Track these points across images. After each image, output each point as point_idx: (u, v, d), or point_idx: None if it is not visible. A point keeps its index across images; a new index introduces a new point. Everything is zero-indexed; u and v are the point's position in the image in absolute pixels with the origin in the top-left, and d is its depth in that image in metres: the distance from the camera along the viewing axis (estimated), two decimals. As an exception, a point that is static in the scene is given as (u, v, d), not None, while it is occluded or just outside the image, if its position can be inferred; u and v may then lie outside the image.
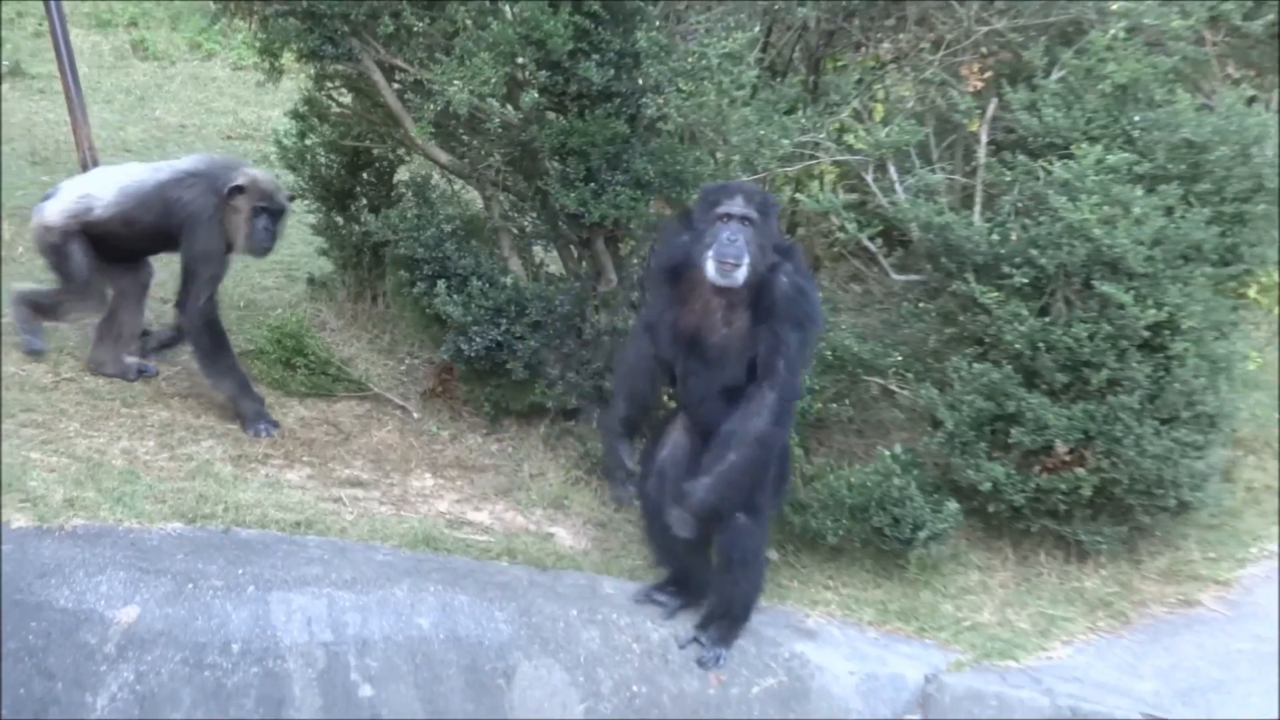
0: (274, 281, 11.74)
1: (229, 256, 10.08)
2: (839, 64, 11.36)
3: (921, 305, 10.35)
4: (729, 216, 8.24)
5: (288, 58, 10.48)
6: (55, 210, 10.02)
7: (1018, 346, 9.73)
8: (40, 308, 10.32)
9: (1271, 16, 11.01)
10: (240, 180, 9.83)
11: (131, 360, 10.40)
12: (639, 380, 8.87)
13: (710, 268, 8.21)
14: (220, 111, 15.09)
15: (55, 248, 10.03)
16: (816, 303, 8.47)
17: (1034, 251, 9.64)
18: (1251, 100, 10.64)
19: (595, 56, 9.78)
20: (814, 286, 8.62)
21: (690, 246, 8.43)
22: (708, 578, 8.91)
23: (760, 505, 8.64)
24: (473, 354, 10.10)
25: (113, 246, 10.07)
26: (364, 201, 11.13)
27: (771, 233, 8.43)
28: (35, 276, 10.74)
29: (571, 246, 10.64)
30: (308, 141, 11.20)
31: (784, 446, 8.85)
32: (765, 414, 8.27)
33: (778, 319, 8.24)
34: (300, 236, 12.00)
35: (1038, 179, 9.93)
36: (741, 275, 8.18)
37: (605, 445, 9.14)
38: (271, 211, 9.87)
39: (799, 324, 8.29)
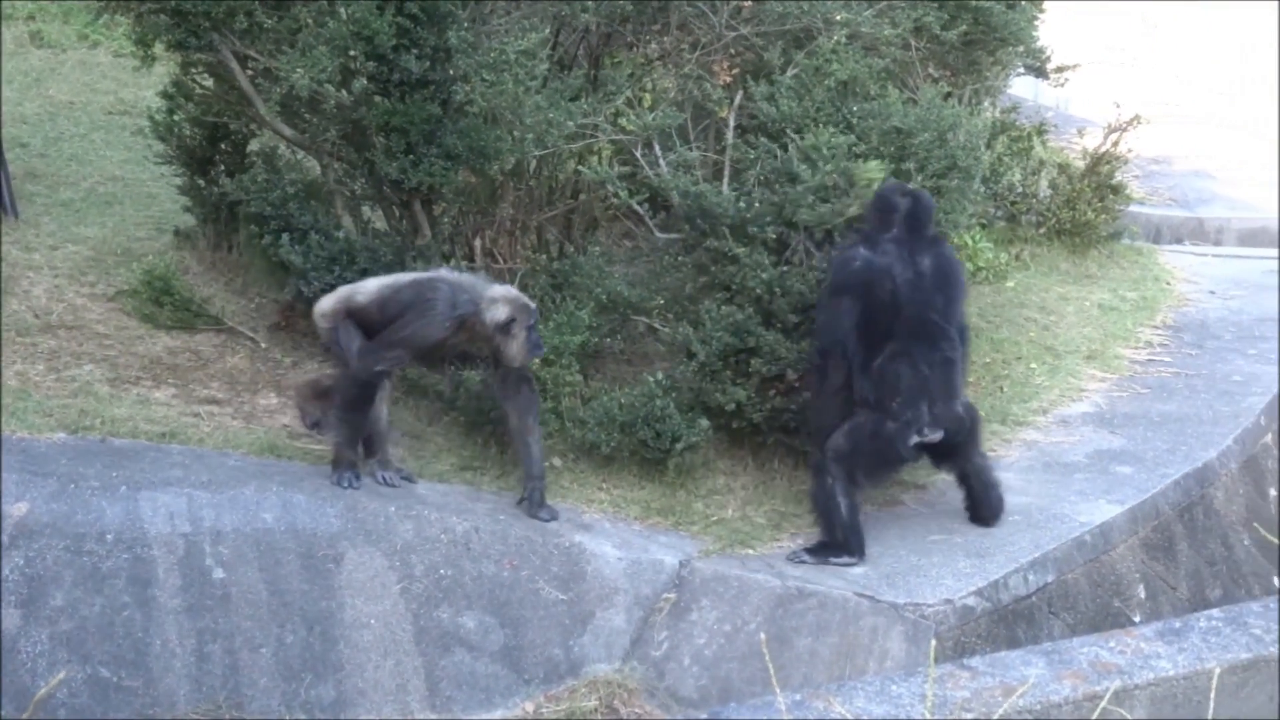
0: (146, 233, 11.61)
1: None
2: (615, 60, 11.39)
3: (680, 259, 10.42)
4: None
5: (159, 47, 10.38)
6: (328, 301, 9.45)
7: (758, 292, 9.84)
8: (320, 390, 9.69)
9: (964, 28, 11.24)
10: (502, 312, 9.08)
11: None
12: None
13: None
14: (104, 92, 14.87)
15: (328, 331, 9.40)
16: None
17: (785, 209, 9.79)
18: (947, 95, 10.81)
19: (414, 51, 9.83)
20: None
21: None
22: None
23: None
24: (311, 294, 10.02)
25: (369, 333, 9.34)
26: (222, 168, 11.04)
27: None
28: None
29: (394, 207, 10.71)
30: (175, 118, 11.10)
31: None
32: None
33: None
34: (168, 196, 11.91)
35: (775, 156, 9.99)
36: None
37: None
38: (533, 323, 9.24)
39: None
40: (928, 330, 9.26)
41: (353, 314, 9.30)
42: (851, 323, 9.21)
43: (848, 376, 9.26)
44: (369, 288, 9.41)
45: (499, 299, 9.15)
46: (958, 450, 9.59)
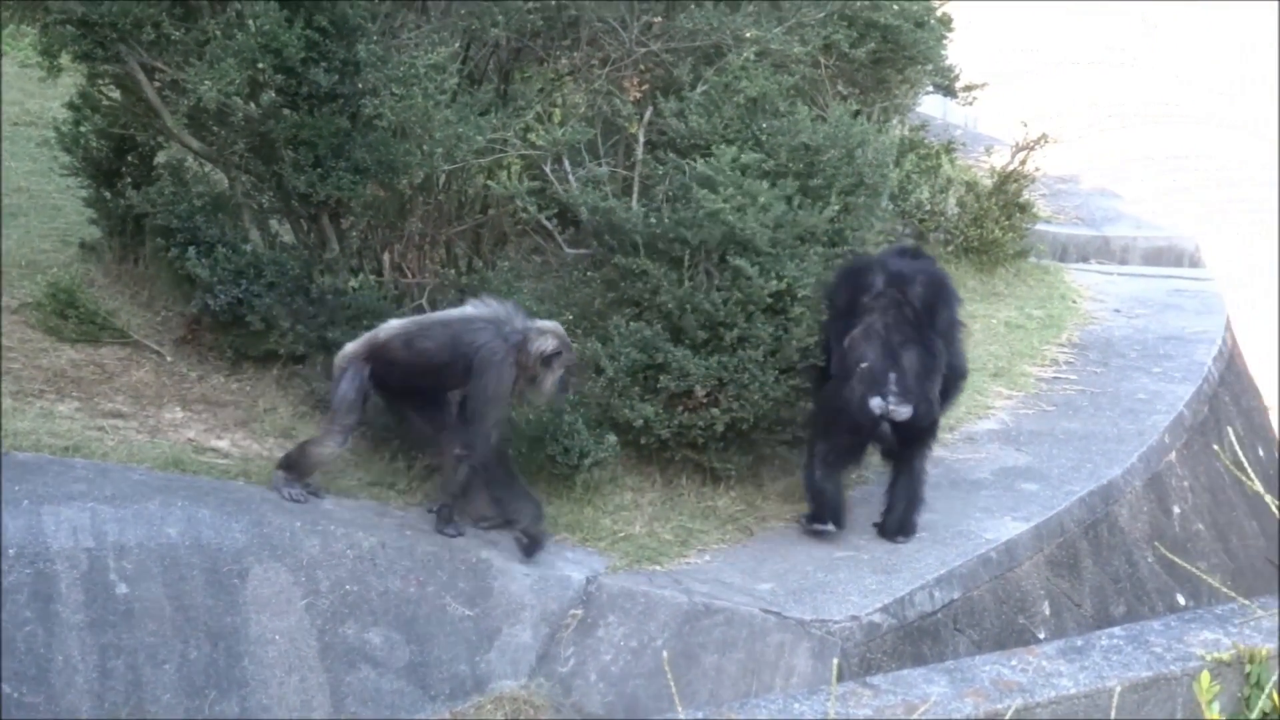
0: (51, 245, 11.53)
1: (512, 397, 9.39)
2: (525, 75, 11.42)
3: (589, 274, 10.45)
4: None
5: (65, 58, 10.33)
6: (351, 345, 9.33)
7: (667, 308, 9.88)
8: (292, 462, 9.38)
9: (873, 46, 11.34)
10: (548, 345, 9.15)
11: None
12: None
13: None
14: (9, 103, 14.72)
15: (339, 372, 9.27)
16: None
17: (683, 230, 9.79)
18: (856, 113, 10.84)
19: (323, 64, 9.83)
20: None
21: None
22: None
23: None
24: (218, 308, 10.07)
25: (399, 376, 9.26)
26: (129, 180, 10.95)
27: None
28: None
29: (302, 221, 10.67)
30: (82, 129, 11.02)
31: None
32: None
33: None
34: (74, 208, 11.82)
35: (684, 173, 10.05)
36: None
37: None
38: (571, 369, 9.34)
39: None
40: (906, 316, 9.79)
41: (376, 354, 9.24)
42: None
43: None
44: (391, 325, 9.36)
45: (548, 331, 9.21)
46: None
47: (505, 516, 9.38)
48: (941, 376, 9.92)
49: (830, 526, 9.80)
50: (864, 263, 10.13)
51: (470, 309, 9.39)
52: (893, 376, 9.61)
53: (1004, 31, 20.61)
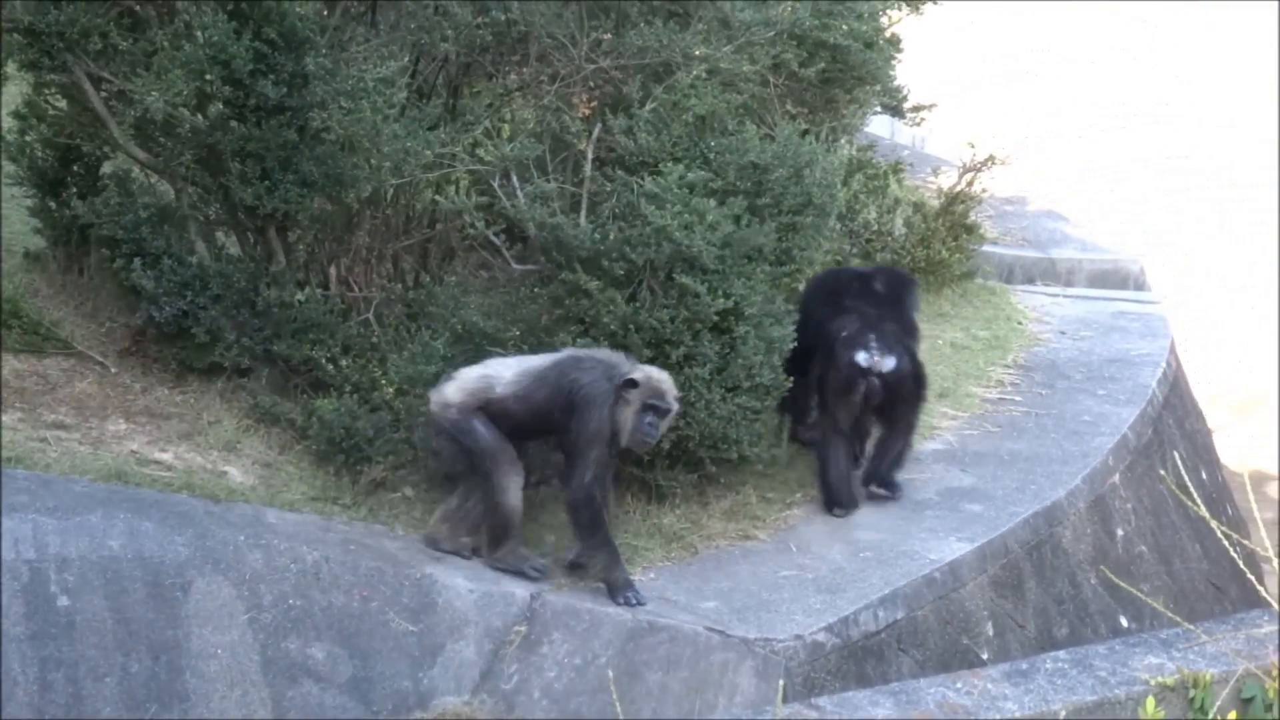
0: (-7, 254, 11.55)
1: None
2: (474, 90, 11.41)
3: (536, 290, 10.43)
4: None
5: (11, 67, 10.31)
6: (456, 389, 9.37)
7: (613, 327, 9.87)
8: (494, 537, 9.50)
9: (822, 65, 11.37)
10: (635, 375, 9.28)
11: (465, 540, 9.59)
12: None
13: None
14: (-47, 111, 14.73)
15: (455, 423, 9.32)
16: None
17: (628, 249, 9.78)
18: (805, 133, 10.84)
19: (271, 76, 9.82)
20: None
21: None
22: None
23: None
24: (163, 320, 10.06)
25: (505, 426, 9.35)
26: (74, 190, 10.91)
27: None
28: None
29: (248, 233, 10.64)
30: (27, 138, 10.96)
31: None
32: None
33: None
34: (18, 217, 11.72)
35: (632, 190, 10.06)
36: None
37: None
38: (659, 410, 9.30)
39: None
40: (878, 300, 11.06)
41: (489, 406, 9.35)
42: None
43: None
44: (506, 377, 9.43)
45: (653, 377, 9.38)
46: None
47: (581, 560, 9.49)
48: (918, 344, 11.13)
49: (846, 511, 10.59)
50: (836, 269, 11.98)
51: (579, 350, 9.58)
52: (872, 336, 10.59)
53: (1007, 29, 20.65)
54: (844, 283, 11.27)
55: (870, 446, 11.07)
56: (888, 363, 10.55)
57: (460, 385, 9.41)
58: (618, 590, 9.23)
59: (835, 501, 10.60)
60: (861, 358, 10.52)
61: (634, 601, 9.15)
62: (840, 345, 10.61)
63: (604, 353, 9.45)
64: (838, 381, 10.63)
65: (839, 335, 10.67)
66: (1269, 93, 20.25)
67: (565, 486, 9.35)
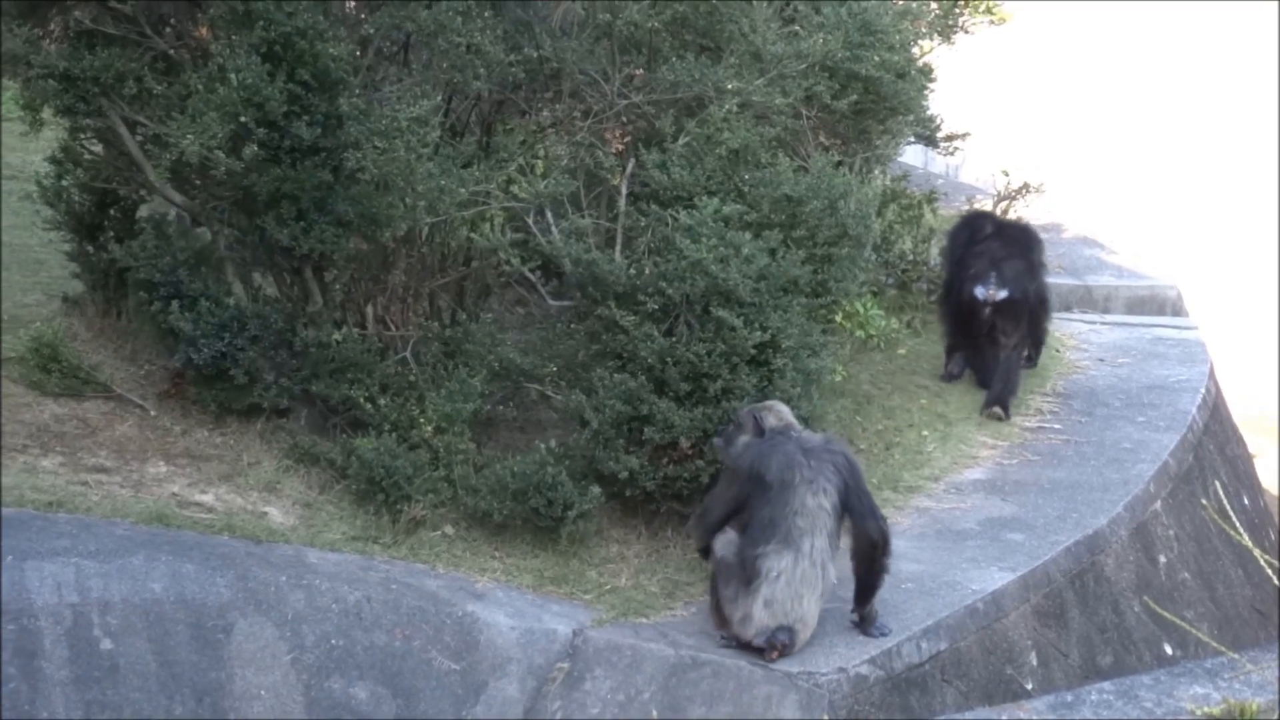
0: (34, 299, 11.52)
1: None
2: (507, 128, 11.43)
3: (572, 326, 10.45)
4: None
5: (47, 112, 10.37)
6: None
7: (650, 361, 9.88)
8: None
9: (854, 97, 11.38)
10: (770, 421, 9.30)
11: None
12: None
13: None
14: (-10, 157, 14.81)
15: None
16: None
17: (663, 283, 9.81)
18: (838, 164, 10.92)
19: (305, 117, 9.84)
20: None
21: None
22: None
23: None
24: (201, 362, 10.07)
25: None
26: (111, 234, 10.94)
27: None
28: None
29: (285, 274, 10.65)
30: (64, 183, 11.01)
31: None
32: None
33: None
34: (56, 262, 11.82)
35: (667, 225, 10.09)
36: None
37: None
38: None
39: None
40: (1007, 242, 13.44)
41: None
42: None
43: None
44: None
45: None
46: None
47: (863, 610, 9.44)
48: (1038, 280, 13.50)
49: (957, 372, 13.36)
50: (977, 213, 14.29)
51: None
52: (993, 274, 12.96)
53: (1041, 56, 20.59)
54: (982, 225, 13.66)
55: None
56: (1001, 294, 12.92)
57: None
58: (873, 624, 9.31)
59: (950, 378, 13.35)
60: (979, 290, 12.93)
61: (880, 632, 9.25)
62: (967, 280, 13.02)
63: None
64: (957, 307, 13.21)
65: (967, 271, 13.08)
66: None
67: (877, 522, 9.20)
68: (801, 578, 8.91)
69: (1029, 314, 13.24)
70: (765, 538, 8.94)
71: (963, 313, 13.19)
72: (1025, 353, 13.47)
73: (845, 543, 9.20)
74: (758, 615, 8.90)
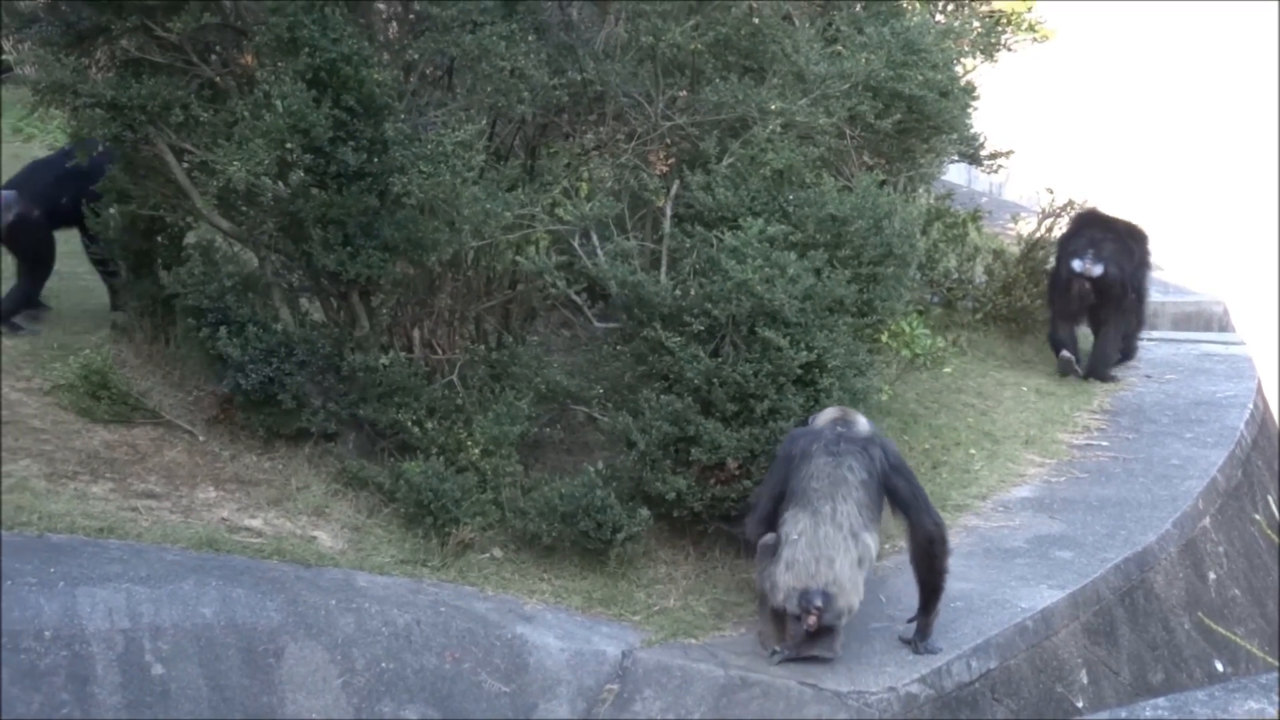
0: (82, 327, 11.59)
1: None
2: (552, 151, 11.44)
3: (618, 348, 10.42)
4: None
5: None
6: None
7: (696, 382, 9.87)
8: None
9: (898, 116, 11.37)
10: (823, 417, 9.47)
11: None
12: None
13: None
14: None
15: None
16: None
17: (709, 304, 9.81)
18: (882, 183, 10.91)
19: (351, 143, 9.89)
20: None
21: None
22: None
23: None
24: (249, 387, 10.13)
25: None
26: (159, 260, 11.07)
27: None
28: None
29: (331, 299, 10.71)
30: (111, 210, 11.13)
31: None
32: None
33: None
34: (105, 289, 11.93)
35: (712, 246, 10.06)
36: None
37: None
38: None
39: None
40: (1110, 233, 14.46)
41: None
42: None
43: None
44: None
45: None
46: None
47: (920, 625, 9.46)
48: (1137, 267, 14.56)
49: (1068, 354, 14.26)
50: (1088, 209, 14.98)
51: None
52: (1090, 251, 14.06)
53: (1084, 72, 20.53)
54: (1087, 219, 14.66)
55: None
56: (1096, 269, 13.96)
57: None
58: (925, 637, 9.31)
59: (1060, 347, 14.29)
60: (1076, 264, 14.01)
61: (930, 649, 9.23)
62: (1068, 256, 14.16)
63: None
64: (1059, 282, 14.22)
65: (1067, 249, 14.26)
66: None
67: (931, 521, 9.24)
68: (825, 539, 8.89)
69: (1124, 298, 14.24)
70: (785, 506, 9.06)
71: (1060, 288, 14.20)
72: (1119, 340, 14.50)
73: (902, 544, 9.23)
74: (781, 579, 8.91)
